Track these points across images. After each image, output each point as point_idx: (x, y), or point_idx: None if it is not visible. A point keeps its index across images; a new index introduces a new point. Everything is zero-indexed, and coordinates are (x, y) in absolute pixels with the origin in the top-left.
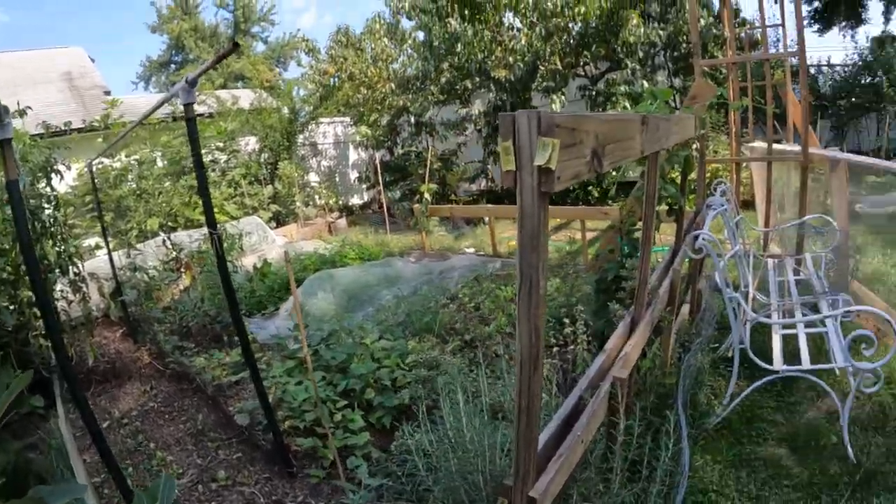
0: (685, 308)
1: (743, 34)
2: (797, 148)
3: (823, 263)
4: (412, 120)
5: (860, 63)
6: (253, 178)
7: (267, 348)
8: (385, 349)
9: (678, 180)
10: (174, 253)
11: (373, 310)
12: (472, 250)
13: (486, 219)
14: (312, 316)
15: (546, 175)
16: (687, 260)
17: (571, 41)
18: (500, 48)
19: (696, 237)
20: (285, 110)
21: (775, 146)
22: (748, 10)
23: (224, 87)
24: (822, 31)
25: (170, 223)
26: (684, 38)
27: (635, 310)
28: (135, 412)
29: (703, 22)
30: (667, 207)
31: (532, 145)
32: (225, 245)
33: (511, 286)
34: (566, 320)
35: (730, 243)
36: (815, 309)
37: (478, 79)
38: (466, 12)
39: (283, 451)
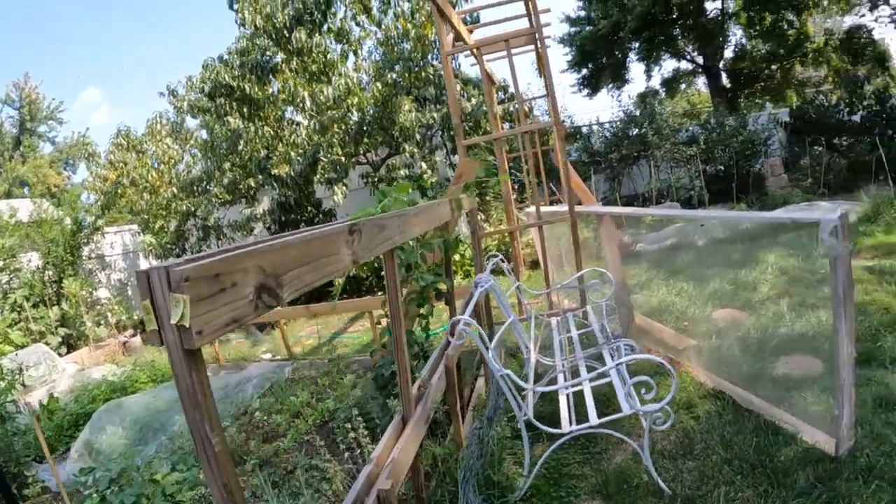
0: (480, 381)
1: (513, 107)
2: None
3: (604, 312)
4: (199, 223)
5: (626, 118)
6: (38, 300)
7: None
8: (178, 482)
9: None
10: None
11: (166, 438)
12: (268, 356)
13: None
14: (103, 454)
15: (185, 332)
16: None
17: (350, 131)
18: (281, 144)
19: (458, 322)
20: (67, 221)
21: (552, 208)
22: (522, 81)
23: (8, 194)
24: (591, 95)
25: None
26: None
27: (403, 407)
28: None
29: (474, 100)
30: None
31: (167, 303)
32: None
33: (305, 390)
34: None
35: (523, 309)
36: (601, 359)
37: (260, 176)
38: (245, 110)
39: None
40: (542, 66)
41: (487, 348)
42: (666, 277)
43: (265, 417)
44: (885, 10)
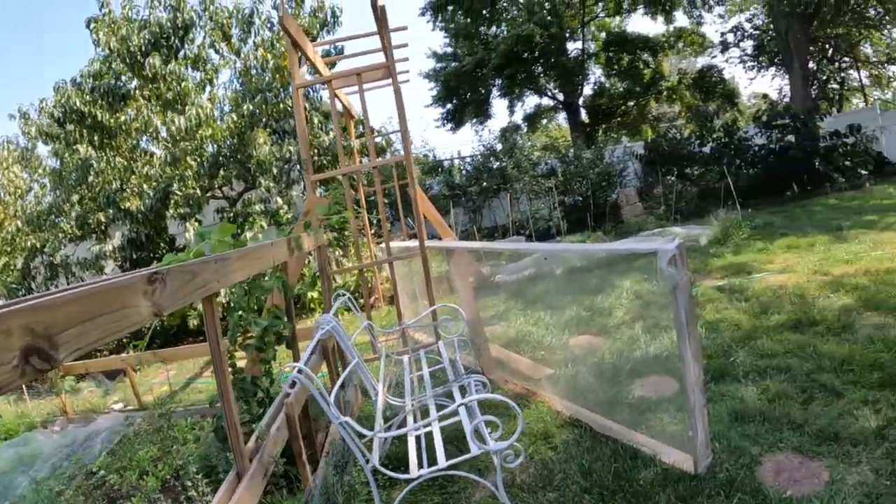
0: (333, 427)
1: (368, 142)
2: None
3: (457, 347)
4: (46, 261)
5: (487, 152)
6: None
7: None
8: None
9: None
10: None
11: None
12: (120, 405)
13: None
14: None
15: None
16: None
17: (205, 163)
18: (134, 175)
19: (298, 371)
20: None
21: (406, 243)
22: (380, 116)
23: None
24: (454, 129)
25: None
26: (316, 150)
27: (236, 462)
28: None
29: (331, 135)
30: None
31: None
32: None
33: (154, 444)
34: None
35: (372, 350)
36: (452, 396)
37: (111, 210)
38: (97, 138)
39: None
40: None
41: (324, 397)
42: (524, 307)
43: (111, 477)
44: (734, 52)
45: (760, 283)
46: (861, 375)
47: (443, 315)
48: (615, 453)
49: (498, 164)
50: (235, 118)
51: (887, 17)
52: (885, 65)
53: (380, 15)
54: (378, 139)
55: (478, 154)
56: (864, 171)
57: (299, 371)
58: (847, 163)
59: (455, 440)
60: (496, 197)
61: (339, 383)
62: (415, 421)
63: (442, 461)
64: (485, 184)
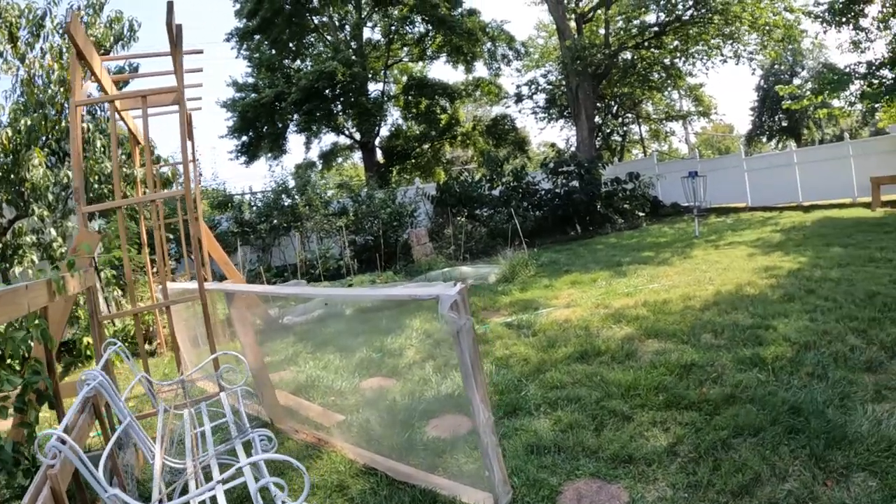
0: None
1: (150, 172)
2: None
3: (240, 398)
4: None
5: (278, 188)
6: None
7: None
8: None
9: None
10: None
11: None
12: None
13: None
14: None
15: None
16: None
17: None
18: None
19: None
20: None
21: (186, 284)
22: (171, 144)
23: None
24: (248, 163)
25: None
26: (98, 177)
27: None
28: None
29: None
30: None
31: None
32: None
33: None
34: None
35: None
36: (236, 454)
37: None
38: None
39: None
40: (188, 130)
41: (88, 467)
42: (314, 350)
43: None
44: (528, 104)
45: (547, 318)
46: (647, 398)
47: (225, 363)
48: (414, 499)
49: (290, 201)
50: (10, 133)
51: (668, 81)
52: (664, 121)
53: (174, 36)
54: (165, 169)
55: (269, 190)
56: (641, 213)
57: (60, 440)
58: (626, 205)
59: (242, 502)
60: (287, 235)
61: (108, 448)
62: (197, 486)
63: None
64: (275, 221)
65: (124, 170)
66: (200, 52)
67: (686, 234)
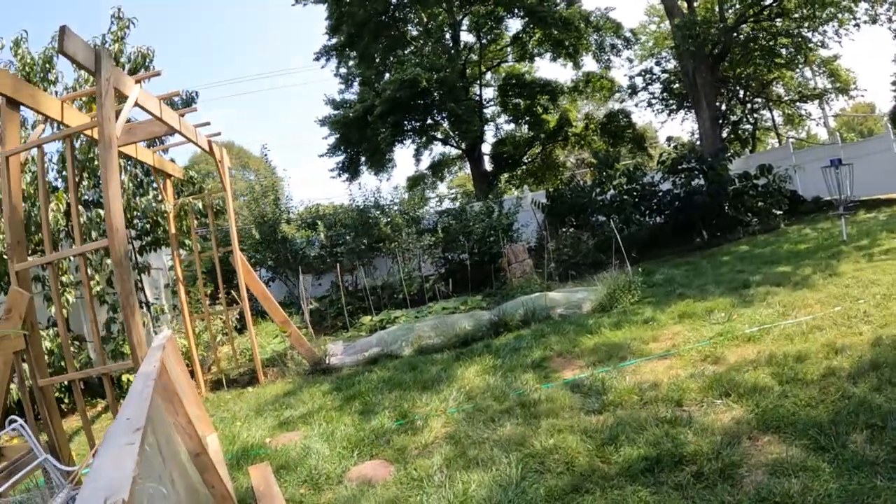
0: None
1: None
2: None
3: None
4: None
5: (353, 207)
6: None
7: None
8: None
9: None
10: None
11: None
12: None
13: None
14: None
15: None
16: None
17: None
18: None
19: None
20: None
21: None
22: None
23: None
24: (351, 179)
25: None
26: (141, 214)
27: None
28: None
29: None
30: None
31: None
32: None
33: None
34: None
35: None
36: None
37: None
38: None
39: None
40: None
41: None
42: (341, 405)
43: None
44: (643, 95)
45: (630, 378)
46: None
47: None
48: None
49: (371, 219)
50: None
51: (798, 56)
52: (798, 103)
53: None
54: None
55: (339, 210)
56: (777, 212)
57: None
58: (760, 204)
59: None
60: (369, 257)
61: None
62: None
63: None
64: (352, 245)
65: (154, 205)
66: (158, 73)
67: (831, 238)
